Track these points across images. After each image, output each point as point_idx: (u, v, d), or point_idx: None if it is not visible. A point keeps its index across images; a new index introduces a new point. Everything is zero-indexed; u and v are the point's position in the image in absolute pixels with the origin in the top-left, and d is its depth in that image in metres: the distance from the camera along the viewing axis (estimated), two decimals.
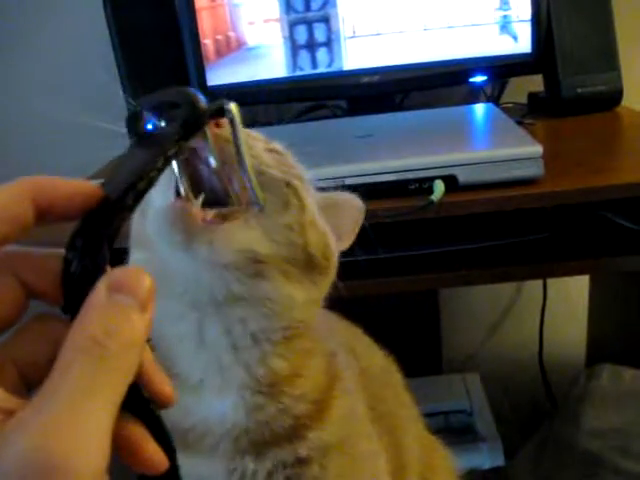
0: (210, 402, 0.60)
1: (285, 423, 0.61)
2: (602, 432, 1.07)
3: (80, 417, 0.32)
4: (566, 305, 1.81)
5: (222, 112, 0.49)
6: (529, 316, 1.78)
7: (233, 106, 0.49)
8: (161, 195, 0.54)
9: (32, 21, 1.68)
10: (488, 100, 1.58)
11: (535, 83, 1.52)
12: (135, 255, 0.60)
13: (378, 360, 0.87)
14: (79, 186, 0.39)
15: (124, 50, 1.41)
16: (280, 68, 1.41)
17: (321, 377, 0.65)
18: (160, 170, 0.40)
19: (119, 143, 1.42)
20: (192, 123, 0.44)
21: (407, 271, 1.09)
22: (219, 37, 1.39)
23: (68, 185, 0.39)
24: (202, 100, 0.44)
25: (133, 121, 0.45)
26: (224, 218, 0.53)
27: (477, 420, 1.53)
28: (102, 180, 0.40)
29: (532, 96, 1.55)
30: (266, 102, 1.52)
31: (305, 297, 0.59)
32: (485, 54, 1.40)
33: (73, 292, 0.37)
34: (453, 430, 1.49)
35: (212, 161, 0.51)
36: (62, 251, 0.38)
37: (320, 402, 0.64)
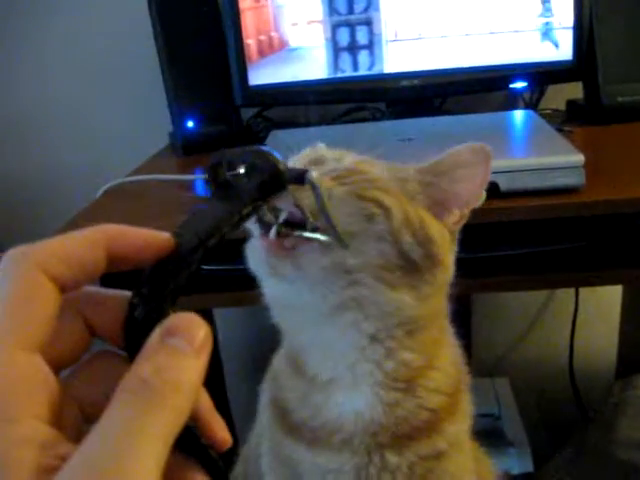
0: (342, 400, 0.62)
1: (423, 417, 0.63)
2: (638, 442, 1.07)
3: (125, 460, 0.31)
4: (598, 313, 1.80)
5: (302, 178, 0.49)
6: (560, 323, 1.77)
7: (315, 175, 0.49)
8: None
9: (75, 16, 1.70)
10: (526, 106, 1.58)
11: (573, 90, 1.52)
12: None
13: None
14: (151, 237, 0.40)
15: (168, 49, 1.42)
16: (321, 69, 1.42)
17: (451, 369, 0.66)
18: (234, 227, 0.42)
19: (158, 140, 1.43)
20: (271, 187, 0.46)
21: None
22: (262, 37, 1.40)
23: (140, 236, 0.40)
24: (283, 164, 0.46)
25: (215, 170, 0.47)
26: (303, 241, 0.55)
27: (506, 425, 1.53)
28: (177, 230, 0.42)
29: (571, 103, 1.54)
30: (306, 103, 1.53)
31: (414, 297, 0.59)
32: (526, 60, 1.40)
33: (134, 336, 0.38)
34: (481, 434, 1.49)
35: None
36: (128, 294, 0.40)
37: (453, 395, 0.65)
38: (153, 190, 1.25)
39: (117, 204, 1.21)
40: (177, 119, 1.47)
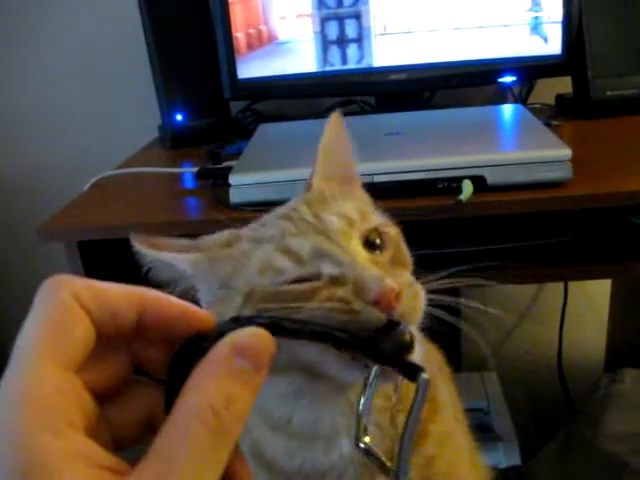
0: (340, 447, 0.61)
1: None
2: (626, 436, 1.08)
3: None
4: (587, 307, 1.81)
5: (413, 373, 0.45)
6: (549, 317, 1.78)
7: (425, 378, 0.44)
8: None
9: (66, 10, 1.69)
10: (515, 100, 1.58)
11: (562, 84, 1.52)
12: None
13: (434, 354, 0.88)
14: (187, 312, 0.41)
15: (157, 42, 1.42)
16: (310, 63, 1.41)
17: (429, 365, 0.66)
18: (293, 332, 0.42)
19: (147, 133, 1.43)
20: (375, 354, 0.45)
21: (430, 269, 1.09)
22: (251, 31, 1.40)
23: (177, 308, 0.41)
24: (409, 352, 0.45)
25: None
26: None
27: (494, 419, 1.53)
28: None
29: (560, 98, 1.55)
30: (295, 96, 1.53)
31: None
32: (515, 55, 1.40)
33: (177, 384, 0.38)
34: (470, 428, 1.50)
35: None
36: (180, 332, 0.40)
37: (433, 397, 0.66)
38: (141, 182, 1.25)
39: (105, 196, 1.21)
40: (166, 112, 1.47)
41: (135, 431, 0.40)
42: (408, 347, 0.46)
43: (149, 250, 0.56)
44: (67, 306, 0.37)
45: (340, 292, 0.49)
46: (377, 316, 0.47)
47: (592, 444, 1.11)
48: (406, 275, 0.54)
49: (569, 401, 1.74)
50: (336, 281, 0.50)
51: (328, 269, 0.51)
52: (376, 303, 0.47)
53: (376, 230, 0.57)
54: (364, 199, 0.65)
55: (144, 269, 0.57)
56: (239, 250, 0.56)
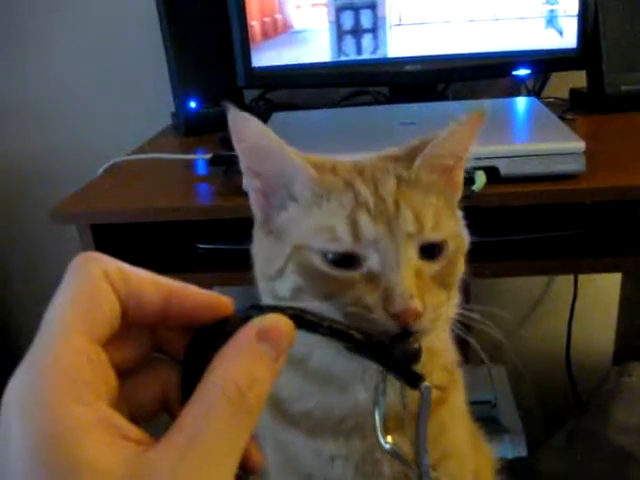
0: (358, 395, 0.62)
1: (433, 395, 0.63)
2: (633, 428, 1.08)
3: (216, 472, 0.34)
4: (596, 301, 1.80)
5: (415, 381, 0.47)
6: (559, 311, 1.77)
7: (427, 386, 0.47)
8: None
9: None
10: (529, 94, 1.58)
11: (577, 79, 1.52)
12: None
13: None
14: (210, 301, 0.42)
15: (172, 30, 1.43)
16: (325, 53, 1.41)
17: (450, 343, 0.67)
18: (312, 325, 0.43)
19: (160, 120, 1.43)
20: (384, 359, 0.47)
21: None
22: (266, 19, 1.40)
23: (200, 297, 0.42)
24: (415, 362, 0.47)
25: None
26: None
27: (501, 412, 1.53)
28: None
29: (574, 92, 1.54)
30: (309, 86, 1.53)
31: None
32: (530, 48, 1.40)
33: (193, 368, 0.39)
34: (477, 421, 1.50)
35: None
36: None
37: (454, 371, 0.68)
38: (154, 169, 1.25)
39: (118, 181, 1.21)
40: (179, 99, 1.47)
41: (149, 409, 0.42)
42: (415, 356, 0.48)
43: (278, 145, 0.59)
44: (97, 282, 0.38)
45: (367, 299, 0.52)
46: (393, 329, 0.50)
47: (599, 436, 1.11)
48: (440, 296, 0.55)
49: (577, 395, 1.74)
50: (373, 278, 0.53)
51: (373, 262, 0.53)
52: (395, 316, 0.50)
53: (443, 241, 0.57)
54: (447, 193, 0.63)
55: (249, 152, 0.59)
56: (329, 183, 0.58)
